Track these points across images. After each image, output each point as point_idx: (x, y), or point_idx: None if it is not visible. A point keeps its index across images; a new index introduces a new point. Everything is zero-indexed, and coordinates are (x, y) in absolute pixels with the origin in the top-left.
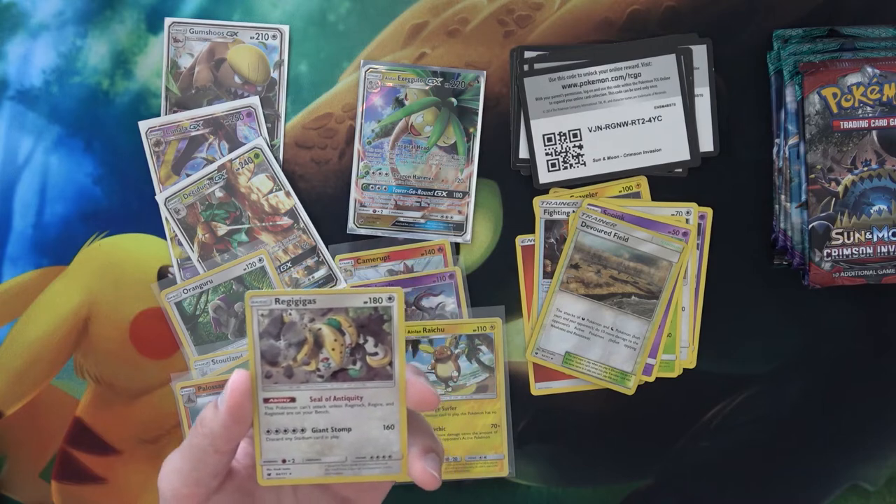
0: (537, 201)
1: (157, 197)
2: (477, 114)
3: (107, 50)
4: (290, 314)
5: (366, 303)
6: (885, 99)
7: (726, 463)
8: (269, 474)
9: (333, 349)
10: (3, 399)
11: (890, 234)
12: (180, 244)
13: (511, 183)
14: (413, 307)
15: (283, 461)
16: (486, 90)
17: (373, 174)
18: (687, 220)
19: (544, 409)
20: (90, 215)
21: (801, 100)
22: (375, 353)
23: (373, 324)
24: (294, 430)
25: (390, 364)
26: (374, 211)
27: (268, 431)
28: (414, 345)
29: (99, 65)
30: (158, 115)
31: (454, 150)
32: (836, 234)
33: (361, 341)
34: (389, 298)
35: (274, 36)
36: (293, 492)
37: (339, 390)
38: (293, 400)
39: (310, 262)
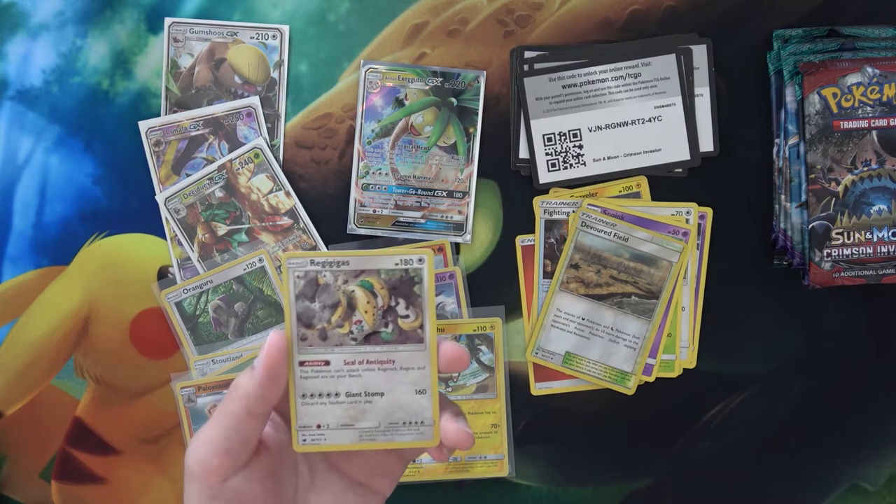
0: (537, 201)
1: (157, 197)
2: (477, 114)
3: (107, 50)
4: (325, 276)
5: (397, 264)
6: (885, 99)
7: (726, 463)
8: (305, 440)
9: (366, 311)
10: (3, 399)
11: (890, 234)
12: (180, 244)
13: (511, 183)
14: None
15: (318, 426)
16: (486, 90)
17: (373, 174)
18: (687, 220)
19: (544, 409)
20: (90, 215)
21: (801, 100)
22: (407, 316)
23: (404, 286)
24: (328, 395)
25: (421, 327)
26: (374, 211)
27: (303, 395)
28: None
29: (99, 65)
30: (158, 115)
31: (454, 150)
32: (836, 234)
33: (393, 304)
34: (420, 260)
35: (274, 36)
36: (311, 476)
37: (371, 353)
38: (327, 363)
39: None
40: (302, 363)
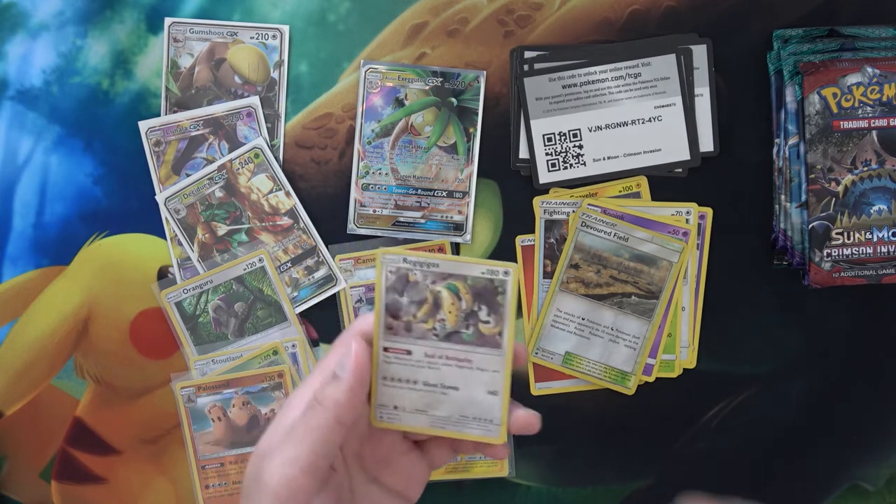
0: (537, 201)
1: (157, 197)
2: (477, 114)
3: (107, 50)
4: (415, 274)
5: (483, 273)
6: (885, 99)
7: (726, 463)
8: (381, 416)
9: (450, 311)
10: (3, 399)
11: (890, 234)
12: (180, 244)
13: (511, 183)
14: None
15: (395, 407)
16: (486, 90)
17: (373, 174)
18: (687, 220)
19: (544, 409)
20: (90, 215)
21: (801, 100)
22: (487, 322)
23: (487, 294)
24: (407, 381)
25: (500, 334)
26: (374, 211)
27: (384, 378)
28: None
29: (99, 65)
30: (158, 115)
31: (454, 150)
32: (836, 234)
33: (476, 308)
34: (505, 273)
35: (274, 36)
36: (351, 491)
37: (451, 350)
38: (409, 353)
39: (310, 262)
40: (386, 349)
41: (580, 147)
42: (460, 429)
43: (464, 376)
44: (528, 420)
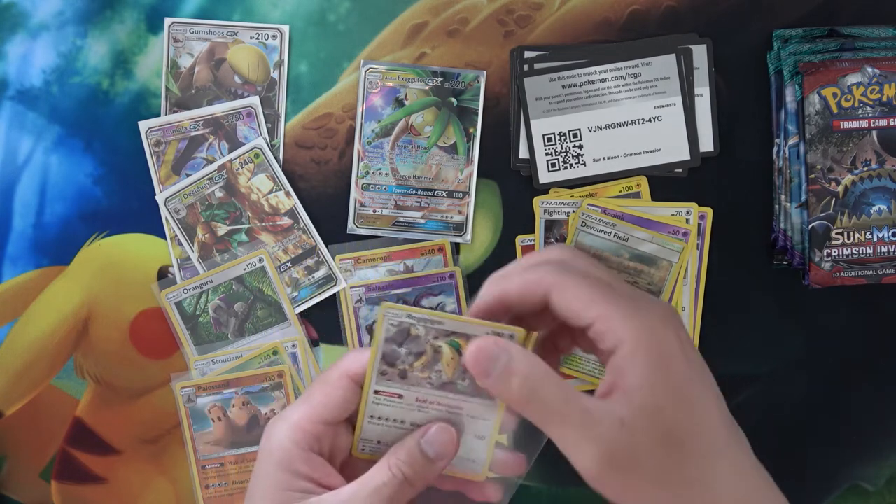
0: (537, 201)
1: (157, 197)
2: (477, 114)
3: (107, 50)
4: (418, 329)
5: (488, 333)
6: (885, 99)
7: None
8: (363, 449)
9: (448, 365)
10: (3, 399)
11: (890, 234)
12: (180, 244)
13: (511, 183)
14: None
15: (379, 442)
16: (486, 90)
17: (373, 174)
18: (687, 220)
19: None
20: (90, 215)
21: (801, 100)
22: None
23: None
24: (395, 420)
25: None
26: (374, 211)
27: (371, 416)
28: None
29: (99, 65)
30: (158, 115)
31: (454, 150)
32: (836, 234)
33: None
34: (511, 336)
35: (274, 36)
36: None
37: (444, 398)
38: (401, 397)
39: (310, 262)
40: (377, 392)
41: (580, 147)
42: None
43: (453, 421)
44: (515, 461)
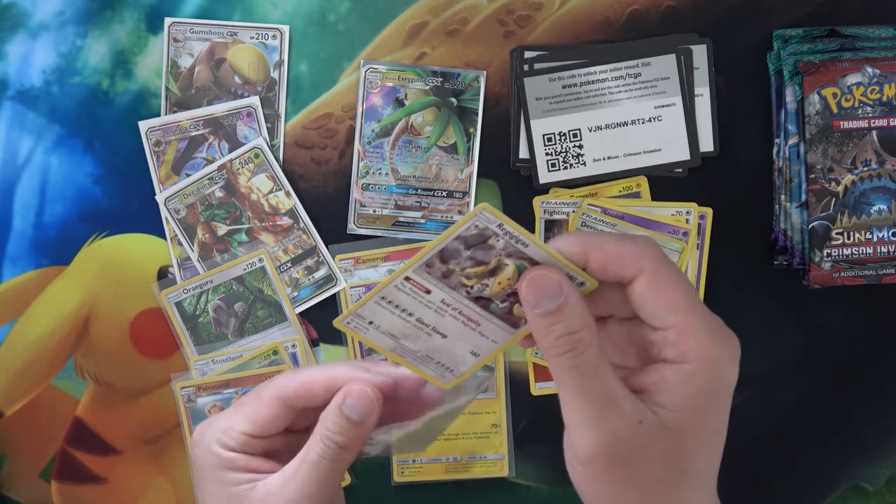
0: (537, 201)
1: (157, 197)
2: (477, 114)
3: (107, 50)
4: (498, 241)
5: (565, 273)
6: (885, 99)
7: (726, 463)
8: (349, 323)
9: (500, 283)
10: (3, 399)
11: (890, 234)
12: (180, 244)
13: (511, 183)
14: None
15: (370, 322)
16: (486, 90)
17: (373, 174)
18: (687, 220)
19: (544, 409)
20: (90, 215)
21: (801, 100)
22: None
23: None
24: (404, 310)
25: (526, 321)
26: (374, 211)
27: (382, 298)
28: None
29: (99, 65)
30: (158, 115)
31: (454, 150)
32: (836, 234)
33: None
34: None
35: (274, 36)
36: None
37: (469, 309)
38: (428, 292)
39: (310, 262)
40: (407, 278)
41: (580, 147)
42: (417, 364)
43: (461, 331)
44: (438, 396)
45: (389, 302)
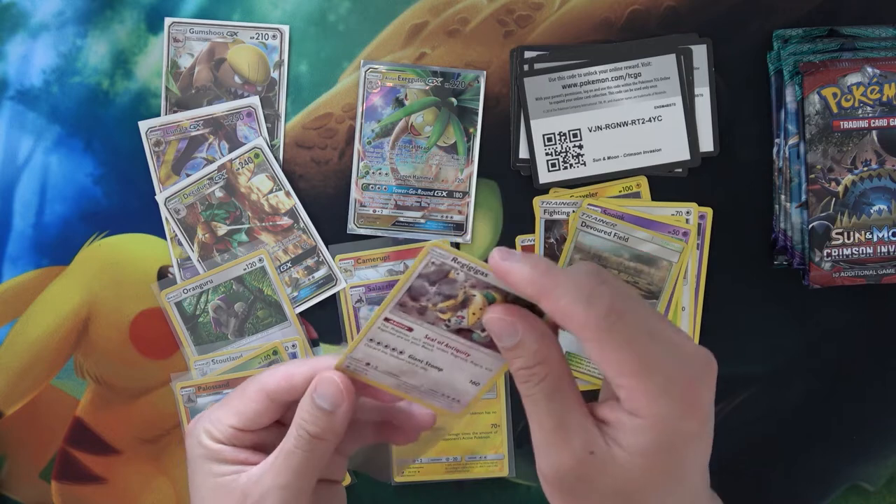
0: (537, 201)
1: (157, 197)
2: (477, 114)
3: (107, 50)
4: (458, 274)
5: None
6: (885, 99)
7: (726, 463)
8: (349, 366)
9: (474, 314)
10: (3, 399)
11: (890, 234)
12: (180, 244)
13: (511, 183)
14: None
15: (367, 364)
16: (486, 90)
17: (373, 174)
18: (687, 220)
19: None
20: (90, 215)
21: (801, 100)
22: None
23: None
24: (394, 349)
25: None
26: (374, 211)
27: (371, 339)
28: None
29: (99, 65)
30: (158, 115)
31: (454, 150)
32: (836, 234)
33: None
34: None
35: (274, 36)
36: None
37: (455, 342)
38: (410, 330)
39: (310, 262)
40: (387, 319)
41: (580, 147)
42: (425, 398)
43: (454, 363)
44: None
45: (378, 343)
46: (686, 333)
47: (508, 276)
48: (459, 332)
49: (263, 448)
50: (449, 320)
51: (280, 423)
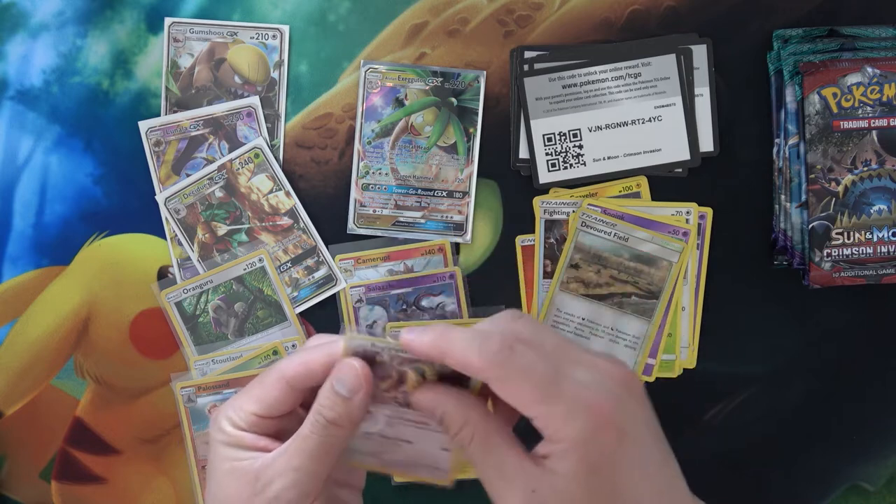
0: (537, 201)
1: (157, 197)
2: (477, 114)
3: (107, 50)
4: (383, 356)
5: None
6: (885, 99)
7: (726, 463)
8: (362, 460)
9: (413, 388)
10: (3, 399)
11: (890, 234)
12: (180, 244)
13: (511, 183)
14: (413, 307)
15: (347, 449)
16: (486, 90)
17: (373, 174)
18: (687, 220)
19: None
20: (90, 215)
21: (801, 100)
22: None
23: (453, 379)
24: (364, 432)
25: None
26: (374, 211)
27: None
28: None
29: (99, 65)
30: (158, 115)
31: (454, 150)
32: (836, 234)
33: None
34: (468, 380)
35: (274, 36)
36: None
37: (411, 415)
38: (370, 413)
39: (310, 262)
40: None
41: (580, 147)
42: (409, 471)
43: (420, 434)
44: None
45: (364, 433)
46: (601, 352)
47: (413, 349)
48: (411, 405)
49: (285, 436)
50: (397, 397)
51: (304, 413)
